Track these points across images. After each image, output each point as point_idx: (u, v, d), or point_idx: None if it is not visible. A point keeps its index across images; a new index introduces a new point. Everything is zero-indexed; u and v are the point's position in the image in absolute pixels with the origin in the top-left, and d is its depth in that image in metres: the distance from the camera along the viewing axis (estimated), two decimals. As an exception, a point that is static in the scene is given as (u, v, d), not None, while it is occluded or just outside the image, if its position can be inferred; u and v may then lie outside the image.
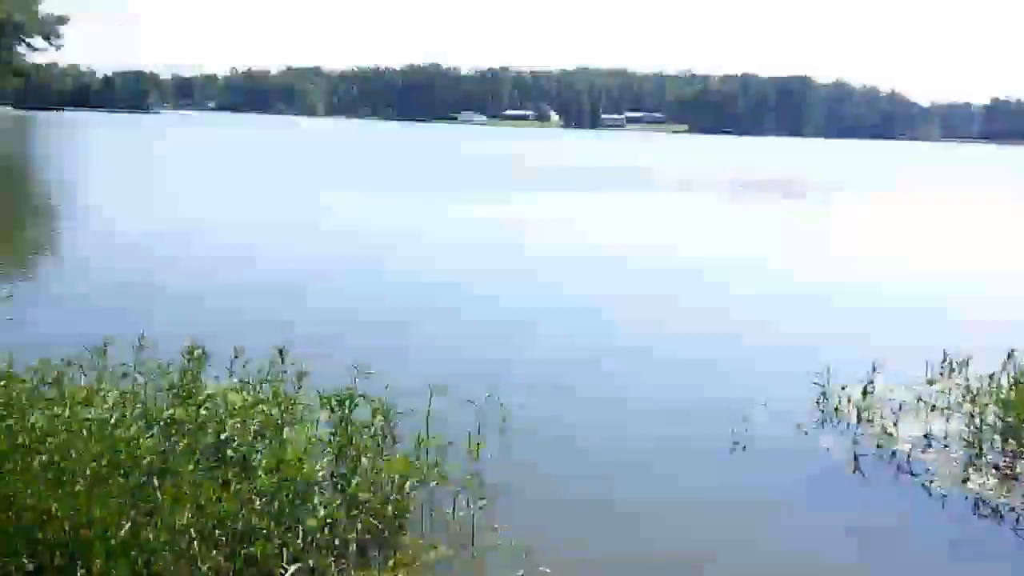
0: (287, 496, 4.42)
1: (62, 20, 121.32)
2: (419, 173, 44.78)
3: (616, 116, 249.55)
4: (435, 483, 5.43)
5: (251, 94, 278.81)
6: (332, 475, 5.05)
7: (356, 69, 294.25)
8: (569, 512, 5.91)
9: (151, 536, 3.68)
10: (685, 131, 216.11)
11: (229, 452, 5.10)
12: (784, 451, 7.24)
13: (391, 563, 4.81)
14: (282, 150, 61.64)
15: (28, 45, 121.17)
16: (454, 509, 5.48)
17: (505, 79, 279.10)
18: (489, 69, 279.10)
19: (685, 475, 6.70)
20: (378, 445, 5.46)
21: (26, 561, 3.53)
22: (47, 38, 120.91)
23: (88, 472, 4.16)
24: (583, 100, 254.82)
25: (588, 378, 9.04)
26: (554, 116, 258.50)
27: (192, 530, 3.86)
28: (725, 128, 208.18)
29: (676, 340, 11.02)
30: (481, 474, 5.71)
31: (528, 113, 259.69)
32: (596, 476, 6.58)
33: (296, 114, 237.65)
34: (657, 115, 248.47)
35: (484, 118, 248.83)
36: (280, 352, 6.51)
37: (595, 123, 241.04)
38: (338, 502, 4.57)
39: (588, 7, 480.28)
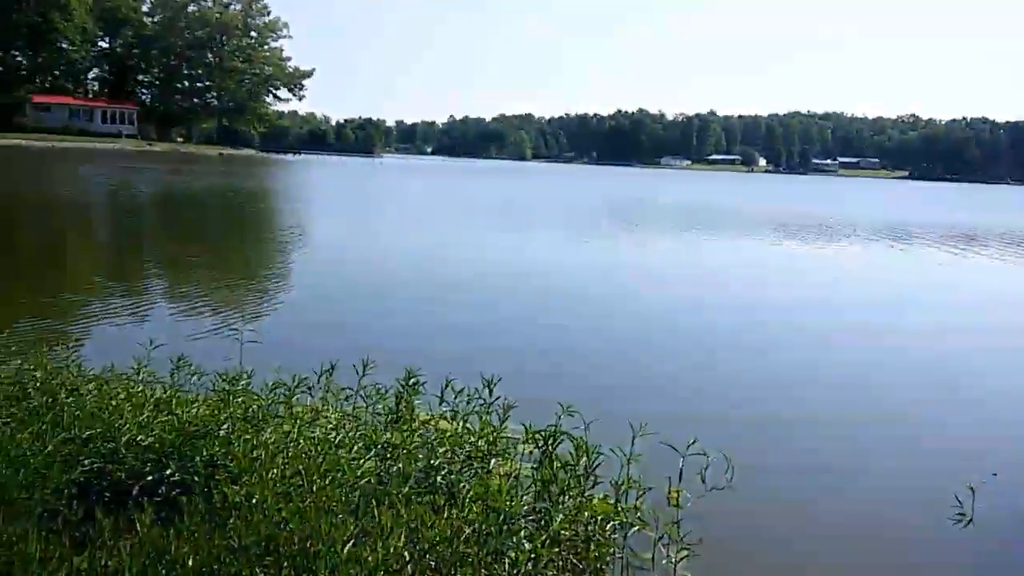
0: (493, 527, 4.48)
1: (307, 74, 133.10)
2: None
3: (828, 161, 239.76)
4: (636, 528, 5.32)
5: (465, 139, 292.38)
6: (535, 510, 5.07)
7: (564, 115, 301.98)
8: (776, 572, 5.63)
9: (369, 556, 3.84)
10: (905, 177, 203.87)
11: (439, 479, 5.26)
12: None
13: (590, 604, 4.77)
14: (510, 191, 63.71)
15: (276, 96, 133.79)
16: (654, 556, 5.36)
17: (712, 124, 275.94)
18: (696, 115, 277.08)
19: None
20: (580, 483, 5.43)
21: (259, 571, 3.76)
22: (291, 90, 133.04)
23: (315, 489, 4.42)
24: (793, 144, 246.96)
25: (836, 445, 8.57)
26: (761, 161, 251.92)
27: (406, 553, 3.99)
28: (951, 175, 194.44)
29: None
30: (682, 522, 5.52)
31: (734, 157, 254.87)
32: (812, 541, 6.23)
33: (507, 158, 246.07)
34: (873, 160, 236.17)
35: (687, 162, 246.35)
36: (488, 384, 6.68)
37: (805, 168, 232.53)
38: (543, 538, 4.58)
39: (799, 53, 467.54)
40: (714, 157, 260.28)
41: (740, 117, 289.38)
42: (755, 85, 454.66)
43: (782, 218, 45.44)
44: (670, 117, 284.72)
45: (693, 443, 6.17)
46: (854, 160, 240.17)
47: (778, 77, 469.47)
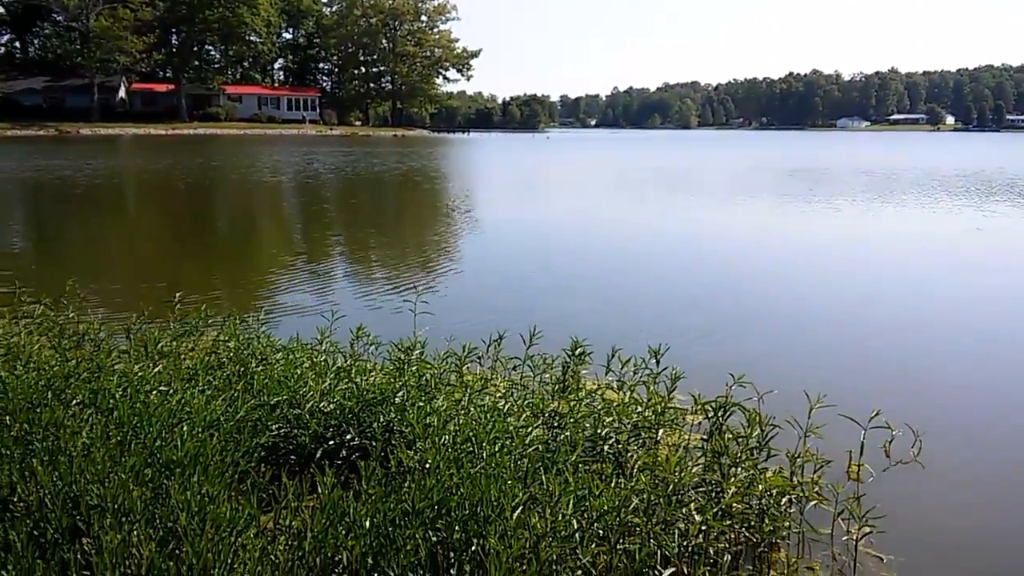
0: (662, 498, 4.42)
1: (475, 54, 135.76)
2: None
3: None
4: (814, 503, 5.10)
5: (628, 110, 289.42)
6: (704, 482, 4.96)
7: (732, 81, 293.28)
8: (970, 557, 5.25)
9: (538, 522, 3.88)
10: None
11: (606, 448, 5.25)
12: None
13: (764, 579, 4.62)
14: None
15: (445, 77, 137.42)
16: (832, 532, 5.13)
17: (892, 82, 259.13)
18: (876, 73, 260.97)
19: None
20: (752, 456, 5.26)
21: (431, 533, 3.88)
22: (460, 70, 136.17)
23: (485, 455, 4.51)
24: (984, 100, 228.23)
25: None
26: (949, 119, 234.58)
27: (574, 520, 4.00)
28: None
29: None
30: (863, 497, 5.23)
31: (919, 116, 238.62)
32: (1010, 520, 5.77)
33: (671, 127, 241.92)
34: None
35: (866, 123, 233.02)
36: (655, 353, 6.59)
37: (999, 125, 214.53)
38: (714, 510, 4.47)
39: (996, 2, 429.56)
40: (896, 117, 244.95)
41: (925, 73, 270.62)
42: (940, 39, 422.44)
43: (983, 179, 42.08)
44: (847, 77, 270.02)
45: (876, 415, 5.85)
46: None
47: (966, 29, 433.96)
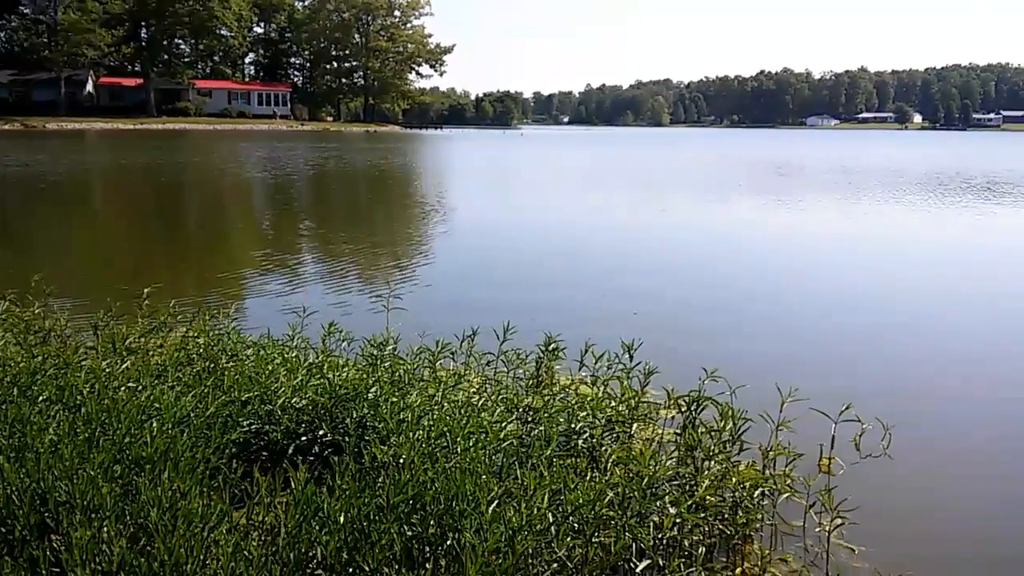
0: (636, 491, 4.43)
1: (447, 50, 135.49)
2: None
3: (991, 116, 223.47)
4: (786, 495, 5.15)
5: (601, 108, 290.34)
6: (678, 475, 4.98)
7: (704, 79, 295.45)
8: (940, 547, 5.32)
9: (513, 516, 3.87)
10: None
11: (580, 443, 5.25)
12: None
13: (738, 571, 4.66)
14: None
15: (418, 73, 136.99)
16: (804, 524, 5.18)
17: (862, 80, 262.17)
18: (846, 71, 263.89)
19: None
20: (725, 449, 5.29)
21: (406, 528, 3.86)
22: (433, 66, 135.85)
23: (459, 450, 4.49)
24: (952, 99, 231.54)
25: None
26: (916, 117, 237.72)
27: (550, 514, 4.00)
28: None
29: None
30: (835, 490, 5.28)
31: (887, 115, 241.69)
32: (976, 513, 5.85)
33: (644, 125, 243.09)
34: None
35: (835, 122, 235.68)
36: (628, 348, 6.61)
37: (965, 124, 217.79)
38: (688, 503, 4.49)
39: (963, 3, 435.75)
40: (865, 115, 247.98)
41: (893, 72, 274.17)
42: (909, 38, 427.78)
43: (943, 177, 42.69)
44: (817, 76, 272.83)
45: (846, 408, 5.91)
46: (1020, 114, 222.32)
47: (934, 28, 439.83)
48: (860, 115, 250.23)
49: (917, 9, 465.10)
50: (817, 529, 5.11)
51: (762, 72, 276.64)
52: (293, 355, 6.47)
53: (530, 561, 3.89)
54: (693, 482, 4.85)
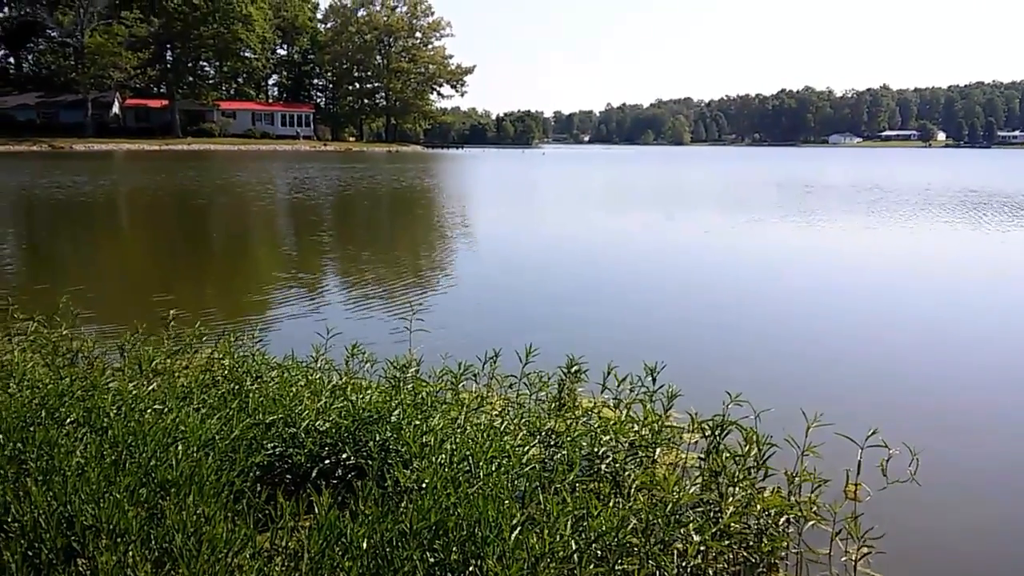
0: (660, 518, 4.40)
1: (468, 71, 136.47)
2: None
3: (1017, 133, 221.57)
4: (812, 522, 5.09)
5: (621, 127, 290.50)
6: (702, 501, 4.94)
7: (724, 97, 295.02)
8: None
9: (536, 543, 3.85)
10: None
11: (603, 467, 5.23)
12: None
13: (763, 600, 4.60)
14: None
15: (439, 93, 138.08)
16: (830, 552, 5.11)
17: (884, 98, 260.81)
18: (868, 89, 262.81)
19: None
20: (750, 475, 5.24)
21: (428, 555, 3.85)
22: (454, 86, 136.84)
23: (482, 475, 4.48)
24: (976, 117, 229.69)
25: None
26: (940, 135, 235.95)
27: (573, 541, 3.97)
28: None
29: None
30: (861, 517, 5.21)
31: (911, 133, 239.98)
32: (1008, 539, 5.76)
33: (664, 144, 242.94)
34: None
35: (858, 140, 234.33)
36: (651, 371, 6.58)
37: (990, 141, 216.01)
38: (713, 530, 4.45)
39: (981, 18, 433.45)
40: (887, 133, 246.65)
41: (916, 90, 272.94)
42: (931, 56, 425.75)
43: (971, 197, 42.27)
44: (839, 94, 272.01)
45: (872, 433, 5.84)
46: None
47: (957, 46, 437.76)
48: (883, 133, 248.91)
49: (939, 27, 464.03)
50: (844, 558, 5.05)
51: (783, 90, 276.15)
52: (317, 377, 6.50)
53: (553, 589, 3.87)
54: (717, 509, 4.81)
